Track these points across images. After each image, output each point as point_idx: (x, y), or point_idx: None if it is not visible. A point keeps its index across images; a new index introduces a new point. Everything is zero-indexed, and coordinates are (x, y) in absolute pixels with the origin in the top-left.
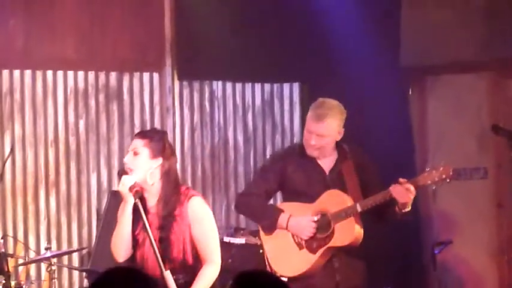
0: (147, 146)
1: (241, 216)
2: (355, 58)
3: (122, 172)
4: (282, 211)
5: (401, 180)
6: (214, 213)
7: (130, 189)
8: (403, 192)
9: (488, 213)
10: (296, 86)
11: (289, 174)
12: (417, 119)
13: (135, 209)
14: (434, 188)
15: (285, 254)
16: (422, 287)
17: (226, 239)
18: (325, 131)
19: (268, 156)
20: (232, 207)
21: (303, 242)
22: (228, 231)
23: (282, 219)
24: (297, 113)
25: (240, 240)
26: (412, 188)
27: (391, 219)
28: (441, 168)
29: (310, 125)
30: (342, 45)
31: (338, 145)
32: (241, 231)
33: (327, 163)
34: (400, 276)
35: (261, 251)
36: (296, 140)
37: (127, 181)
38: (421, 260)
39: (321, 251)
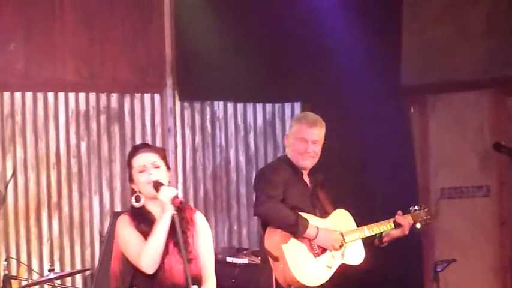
0: (163, 160)
1: (243, 236)
2: (356, 77)
3: (158, 183)
4: (308, 221)
5: (400, 212)
6: (216, 234)
7: (173, 199)
8: (407, 224)
9: (491, 231)
10: (297, 106)
11: (287, 186)
12: (419, 138)
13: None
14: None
15: (305, 263)
16: None
17: (229, 259)
18: (318, 137)
19: (265, 168)
20: (235, 226)
21: (316, 253)
22: (231, 251)
23: (312, 229)
24: None
25: (243, 260)
26: (411, 222)
27: (377, 247)
28: (426, 210)
29: (305, 133)
30: (343, 65)
31: None
32: (244, 252)
33: (307, 180)
34: None
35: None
36: None
37: (170, 191)
38: (422, 279)
39: (336, 266)
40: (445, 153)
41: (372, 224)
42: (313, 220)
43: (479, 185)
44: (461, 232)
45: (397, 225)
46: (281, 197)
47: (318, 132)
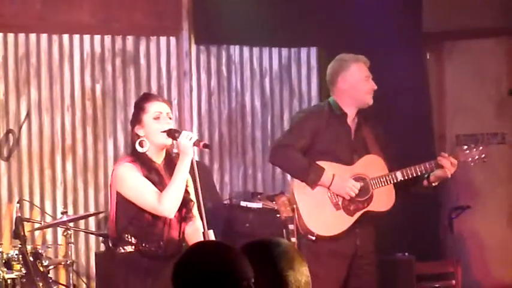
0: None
1: (259, 181)
2: (374, 23)
3: (174, 131)
4: (324, 169)
5: (443, 154)
6: (231, 178)
7: (196, 143)
8: (450, 165)
9: (506, 178)
10: (314, 51)
11: (321, 132)
12: (435, 84)
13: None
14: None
15: (321, 212)
16: (438, 254)
17: (244, 204)
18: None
19: (298, 113)
20: (250, 171)
21: (341, 203)
22: (245, 196)
23: (327, 177)
24: (314, 78)
25: (257, 205)
26: (456, 162)
27: (414, 192)
28: (480, 148)
29: (365, 70)
30: (361, 9)
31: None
32: (258, 196)
33: (351, 124)
34: (417, 243)
35: (278, 215)
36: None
37: (192, 136)
38: (438, 227)
39: (358, 214)
40: (461, 101)
41: (407, 168)
42: (333, 168)
43: (494, 132)
44: (476, 179)
45: (438, 166)
46: (303, 144)
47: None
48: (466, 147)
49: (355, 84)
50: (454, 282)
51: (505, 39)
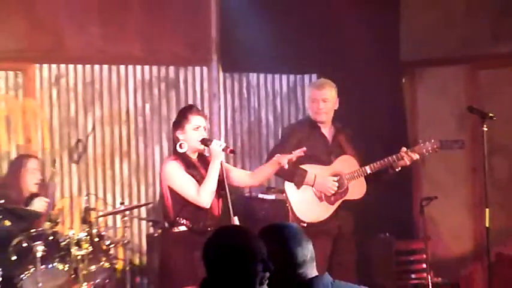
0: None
1: (272, 178)
2: (359, 55)
3: (207, 140)
4: (307, 171)
5: (404, 149)
6: None
7: (225, 149)
8: (408, 157)
9: (465, 175)
10: (314, 77)
11: (303, 141)
12: (409, 103)
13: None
14: (427, 154)
15: (308, 205)
16: (412, 233)
17: (260, 196)
18: (327, 96)
19: (286, 128)
20: None
21: (323, 196)
22: (262, 190)
23: (309, 178)
24: None
25: (270, 197)
26: (413, 155)
27: (384, 179)
28: (432, 141)
29: (315, 94)
30: (349, 44)
31: (333, 121)
32: (272, 190)
33: (328, 134)
34: (395, 224)
35: (287, 204)
36: None
37: (221, 143)
38: (412, 213)
39: (338, 203)
40: (430, 115)
41: (374, 163)
42: (314, 168)
43: (456, 139)
44: (442, 176)
45: (399, 158)
46: (289, 151)
47: (326, 92)
48: (421, 141)
49: (309, 105)
50: (424, 256)
51: (463, 67)
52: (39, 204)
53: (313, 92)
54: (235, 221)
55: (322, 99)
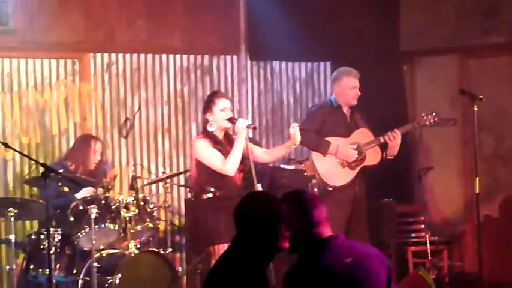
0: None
1: (292, 151)
2: (367, 45)
3: (233, 118)
4: (330, 142)
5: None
6: None
7: (248, 126)
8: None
9: (457, 148)
10: (328, 65)
11: (326, 119)
12: (409, 88)
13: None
14: (429, 125)
15: (333, 170)
16: (412, 198)
17: (282, 166)
18: (358, 84)
19: (312, 107)
20: None
21: (345, 163)
22: (283, 161)
23: (333, 148)
24: (329, 83)
25: (291, 167)
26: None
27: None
28: (433, 113)
29: (354, 82)
30: (358, 36)
31: None
32: (292, 161)
33: (346, 113)
34: (397, 191)
35: (305, 174)
36: None
37: (244, 121)
38: (410, 180)
39: (358, 168)
40: (427, 98)
41: (386, 133)
42: (336, 140)
43: (449, 117)
44: (437, 149)
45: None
46: (316, 127)
47: (357, 80)
48: (423, 114)
49: (344, 91)
50: (423, 218)
51: (456, 55)
52: (85, 191)
53: (352, 81)
54: (259, 187)
55: (357, 87)
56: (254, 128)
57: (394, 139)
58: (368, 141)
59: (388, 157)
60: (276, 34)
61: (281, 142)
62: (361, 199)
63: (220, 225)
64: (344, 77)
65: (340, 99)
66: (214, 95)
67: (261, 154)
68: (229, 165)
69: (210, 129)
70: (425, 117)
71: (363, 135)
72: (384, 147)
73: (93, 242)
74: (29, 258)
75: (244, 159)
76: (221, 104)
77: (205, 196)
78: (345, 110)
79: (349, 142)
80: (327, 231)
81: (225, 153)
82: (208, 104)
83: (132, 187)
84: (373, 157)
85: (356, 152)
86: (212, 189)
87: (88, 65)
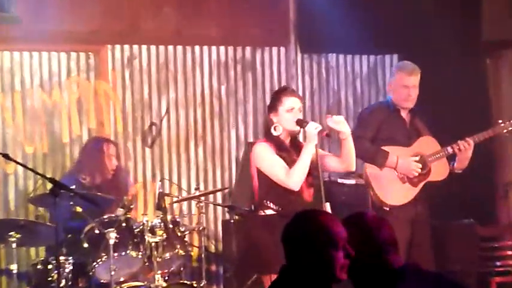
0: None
1: None
2: (441, 34)
3: (302, 121)
4: (388, 153)
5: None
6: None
7: (320, 131)
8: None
9: None
10: (395, 57)
11: (383, 124)
12: (492, 86)
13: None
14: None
15: (391, 187)
16: (496, 218)
17: (340, 180)
18: (417, 82)
19: (365, 109)
20: None
21: (405, 178)
22: (341, 174)
23: (391, 160)
24: None
25: (350, 181)
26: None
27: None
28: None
29: (407, 80)
30: (432, 23)
31: None
32: (352, 174)
33: (406, 117)
34: (478, 210)
35: (368, 188)
36: None
37: (316, 126)
38: (494, 197)
39: (421, 184)
40: None
41: (455, 143)
42: (395, 150)
43: None
44: None
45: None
46: (371, 134)
47: (416, 78)
48: (500, 121)
49: (395, 90)
50: (510, 242)
51: None
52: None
53: (405, 78)
54: (327, 207)
55: (413, 86)
56: (328, 136)
57: (466, 150)
58: (433, 151)
59: (456, 171)
60: (332, 22)
61: (338, 150)
62: (422, 222)
63: (275, 250)
64: (397, 72)
65: (395, 100)
66: (281, 91)
67: (335, 163)
68: (294, 177)
69: (274, 132)
70: (502, 125)
71: (427, 144)
72: (450, 158)
73: (112, 273)
74: None
75: (313, 170)
76: (289, 103)
77: (262, 212)
78: (404, 113)
79: (411, 153)
80: (397, 259)
81: (290, 163)
82: (273, 103)
83: (159, 206)
84: (439, 171)
85: (419, 164)
86: (272, 205)
87: (105, 59)
